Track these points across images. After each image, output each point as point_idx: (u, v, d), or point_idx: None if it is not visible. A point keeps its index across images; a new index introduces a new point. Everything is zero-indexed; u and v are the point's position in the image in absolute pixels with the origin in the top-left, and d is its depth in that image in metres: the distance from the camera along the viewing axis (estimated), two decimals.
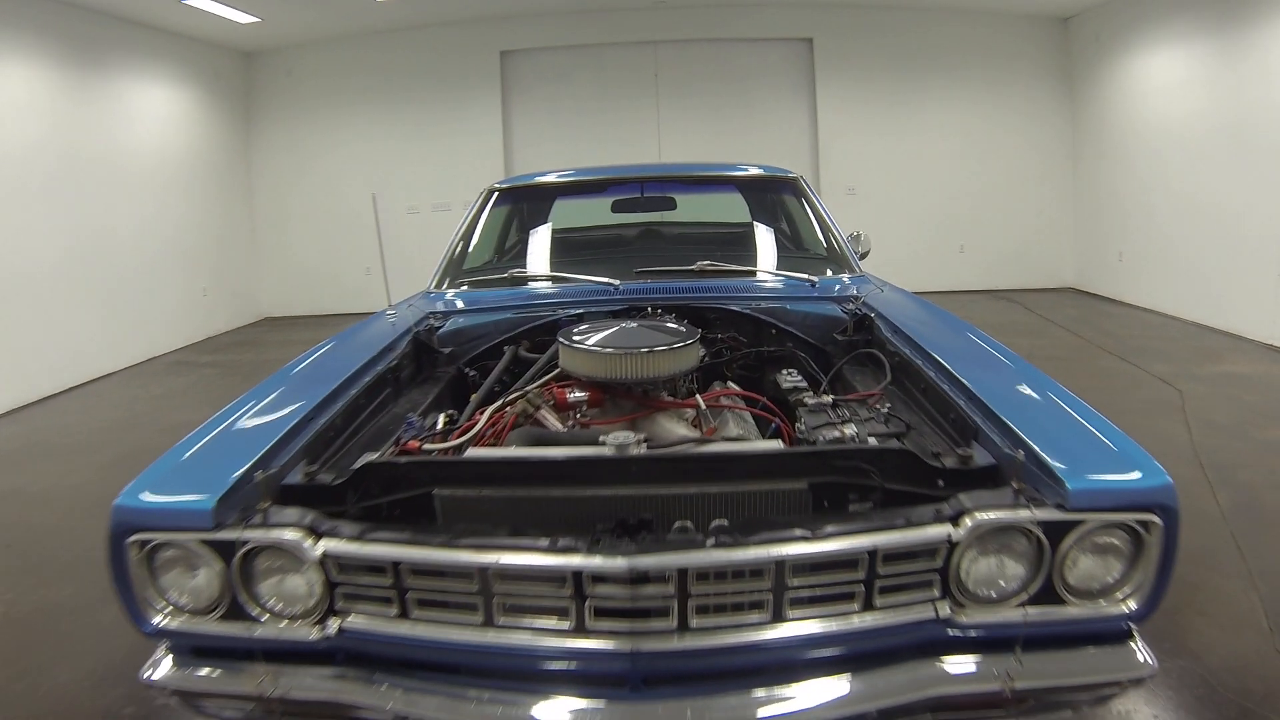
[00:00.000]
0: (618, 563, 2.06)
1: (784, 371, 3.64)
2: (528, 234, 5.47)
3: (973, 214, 14.74)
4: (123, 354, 11.57)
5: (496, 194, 5.40)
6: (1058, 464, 2.26)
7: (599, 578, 2.09)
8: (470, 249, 5.12)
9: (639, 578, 2.07)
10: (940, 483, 2.40)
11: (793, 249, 5.39)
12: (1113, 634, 2.31)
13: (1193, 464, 6.10)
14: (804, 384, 3.49)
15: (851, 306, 4.04)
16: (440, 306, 4.30)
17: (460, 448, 2.87)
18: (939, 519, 2.19)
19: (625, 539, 2.11)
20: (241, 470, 2.38)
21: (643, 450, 2.45)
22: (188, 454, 2.56)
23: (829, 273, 4.69)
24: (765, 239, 5.16)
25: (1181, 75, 11.70)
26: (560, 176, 5.60)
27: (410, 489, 2.43)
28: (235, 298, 14.61)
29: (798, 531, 2.13)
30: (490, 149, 14.56)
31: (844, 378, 3.56)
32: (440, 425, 3.16)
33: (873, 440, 2.62)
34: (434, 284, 4.79)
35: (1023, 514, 2.19)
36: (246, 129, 15.00)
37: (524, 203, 5.78)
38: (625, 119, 14.57)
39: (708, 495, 2.37)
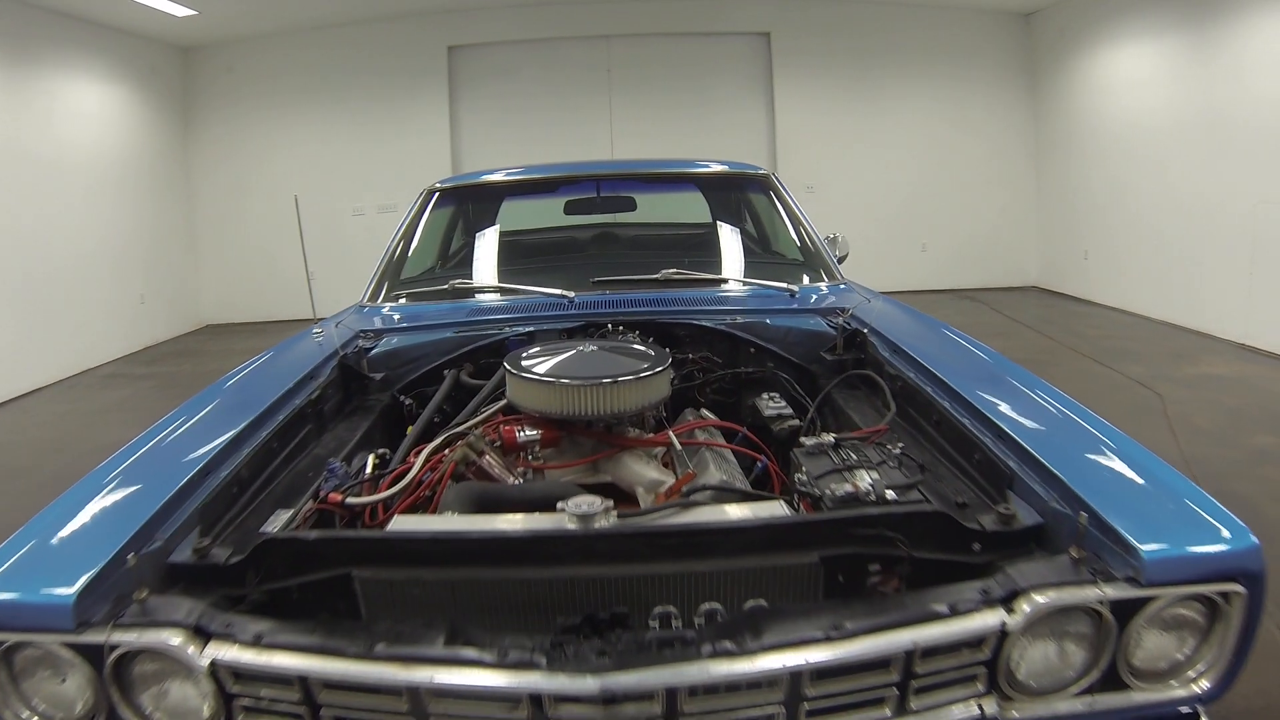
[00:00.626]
0: (586, 683, 1.59)
1: (764, 395, 3.21)
2: (472, 239, 5.00)
3: (935, 212, 14.49)
4: (54, 366, 10.96)
5: (438, 194, 4.90)
6: (1127, 527, 1.84)
7: (564, 698, 1.64)
8: (409, 256, 4.64)
9: (615, 699, 1.62)
10: (976, 546, 1.98)
11: (763, 253, 4.95)
12: (1177, 718, 1.92)
13: (1185, 476, 5.78)
14: (788, 410, 3.08)
15: (839, 320, 3.57)
16: (374, 323, 3.81)
17: (389, 501, 2.41)
18: (988, 602, 1.77)
19: (595, 639, 1.65)
20: (113, 550, 1.91)
21: (612, 521, 1.98)
22: (52, 526, 2.07)
23: (806, 280, 4.25)
24: (735, 242, 4.70)
25: (1149, 71, 11.49)
26: (508, 175, 5.13)
27: (323, 569, 1.96)
28: (174, 304, 14.01)
29: (818, 631, 1.68)
30: (438, 147, 14.11)
31: (834, 403, 3.12)
32: (369, 469, 2.69)
33: (891, 493, 2.15)
34: (367, 296, 4.30)
35: (1090, 593, 1.78)
36: (185, 128, 14.42)
37: (468, 204, 5.32)
38: (577, 116, 14.18)
39: (696, 573, 1.92)
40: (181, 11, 11.92)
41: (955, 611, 1.75)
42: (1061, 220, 13.92)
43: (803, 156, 14.08)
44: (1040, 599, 1.76)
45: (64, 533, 2.05)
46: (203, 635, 1.76)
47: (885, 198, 14.28)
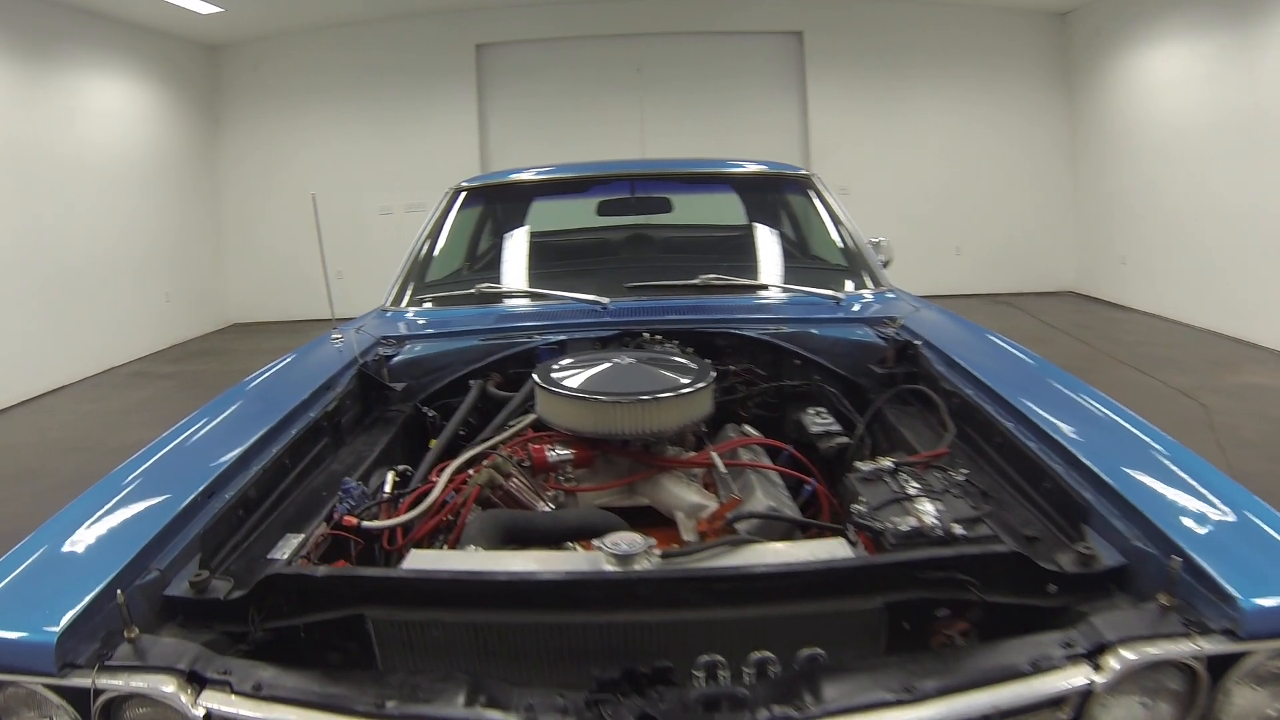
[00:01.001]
0: None
1: (810, 411, 3.02)
2: (500, 241, 4.82)
3: (969, 215, 14.26)
4: (79, 364, 10.92)
5: (464, 194, 4.72)
6: (1224, 573, 1.65)
7: None
8: (434, 258, 4.46)
9: None
10: (1052, 588, 1.79)
11: (803, 258, 4.75)
12: None
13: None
14: (835, 426, 2.89)
15: (890, 330, 3.37)
16: (396, 329, 3.64)
17: (409, 525, 2.23)
18: (1072, 657, 1.58)
19: (634, 697, 1.46)
20: (103, 582, 1.74)
21: (655, 562, 1.79)
22: (43, 551, 1.91)
23: (850, 286, 4.05)
24: (776, 246, 4.51)
25: (1188, 71, 11.24)
26: (538, 174, 4.95)
27: (332, 608, 1.78)
28: (201, 303, 13.97)
29: (887, 693, 1.49)
30: (466, 146, 14.00)
31: (885, 420, 2.92)
32: (388, 487, 2.52)
33: (958, 528, 1.95)
34: (390, 300, 4.12)
35: (1184, 646, 1.58)
36: (212, 126, 14.37)
37: (496, 204, 5.12)
38: (607, 116, 14.02)
39: (746, 619, 1.73)
40: (207, 9, 11.85)
41: (1037, 668, 1.57)
42: (1098, 224, 13.66)
43: (836, 157, 13.79)
44: (1130, 655, 1.57)
45: (54, 559, 1.89)
46: (198, 681, 1.60)
47: (919, 200, 14.03)
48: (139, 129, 12.51)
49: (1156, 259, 12.09)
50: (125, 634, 1.65)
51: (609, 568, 1.77)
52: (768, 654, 1.67)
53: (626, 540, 1.80)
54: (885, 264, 4.51)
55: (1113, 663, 1.56)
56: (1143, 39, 12.11)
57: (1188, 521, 1.82)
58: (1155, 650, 1.58)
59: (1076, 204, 14.20)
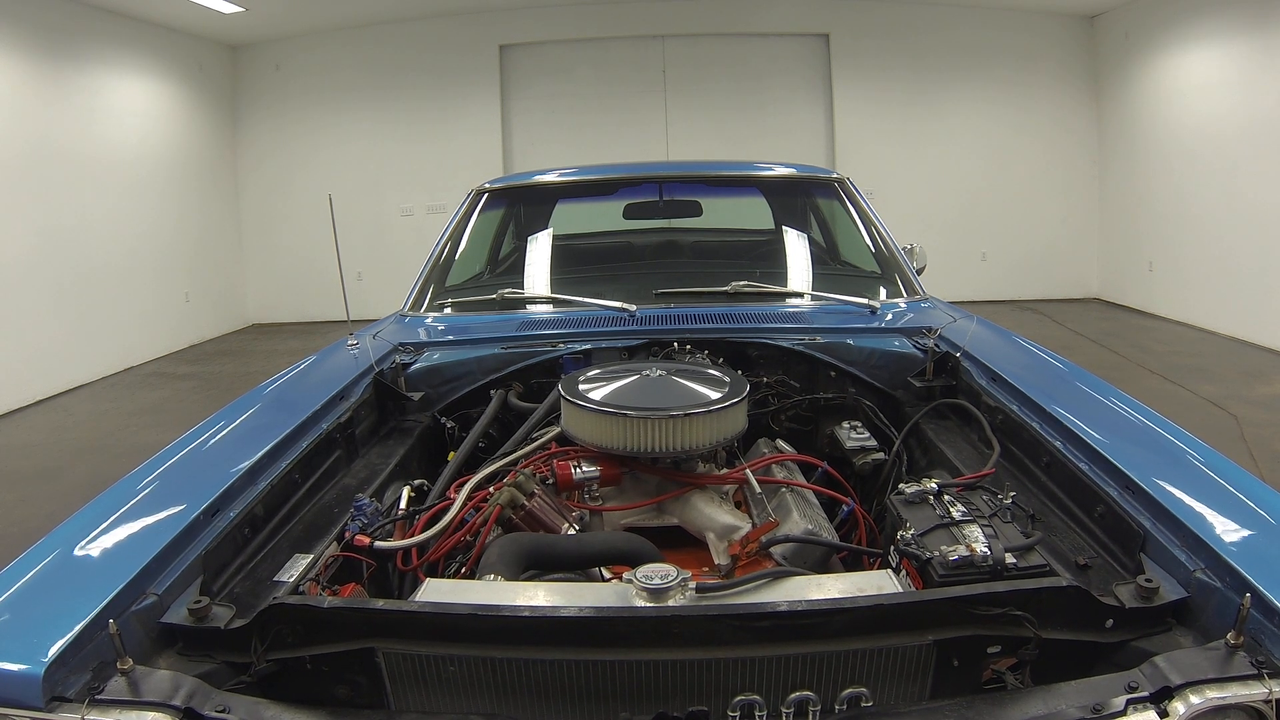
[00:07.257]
0: None
1: (845, 425, 2.91)
2: (523, 245, 4.71)
3: (995, 220, 14.13)
4: (97, 363, 10.89)
5: (487, 195, 4.59)
6: None
7: None
8: (454, 262, 4.33)
9: None
10: (1109, 623, 1.68)
11: (835, 264, 4.63)
12: None
13: None
14: (871, 441, 2.78)
15: (928, 341, 3.23)
16: (415, 335, 3.53)
17: (424, 545, 2.13)
18: (1136, 701, 1.48)
19: None
20: (96, 608, 1.63)
21: (690, 597, 1.68)
22: (35, 571, 1.80)
23: (884, 294, 3.92)
24: (809, 252, 4.38)
25: (1218, 75, 11.10)
26: (563, 175, 4.82)
27: (340, 641, 1.67)
28: (220, 303, 13.94)
29: None
30: (489, 148, 13.93)
31: (923, 436, 2.81)
32: (403, 503, 2.41)
33: (1010, 557, 1.83)
34: (409, 304, 4.00)
35: (1254, 690, 1.47)
36: (233, 126, 14.34)
37: (519, 206, 5.03)
38: (631, 117, 13.94)
39: (786, 656, 1.61)
40: (229, 8, 11.82)
41: (1099, 713, 1.47)
42: (1125, 230, 13.52)
43: (863, 160, 13.60)
44: (1196, 699, 1.46)
45: (47, 580, 1.79)
46: (194, 718, 1.51)
47: (945, 204, 13.93)
48: (160, 128, 12.47)
49: (1184, 265, 11.96)
50: (118, 665, 1.55)
51: (641, 603, 1.66)
52: (808, 694, 1.57)
53: (660, 573, 1.69)
54: (919, 271, 4.38)
55: (1179, 707, 1.47)
56: (1172, 42, 11.98)
57: (1255, 553, 1.71)
58: (1224, 694, 1.47)
59: (1103, 209, 14.07)
